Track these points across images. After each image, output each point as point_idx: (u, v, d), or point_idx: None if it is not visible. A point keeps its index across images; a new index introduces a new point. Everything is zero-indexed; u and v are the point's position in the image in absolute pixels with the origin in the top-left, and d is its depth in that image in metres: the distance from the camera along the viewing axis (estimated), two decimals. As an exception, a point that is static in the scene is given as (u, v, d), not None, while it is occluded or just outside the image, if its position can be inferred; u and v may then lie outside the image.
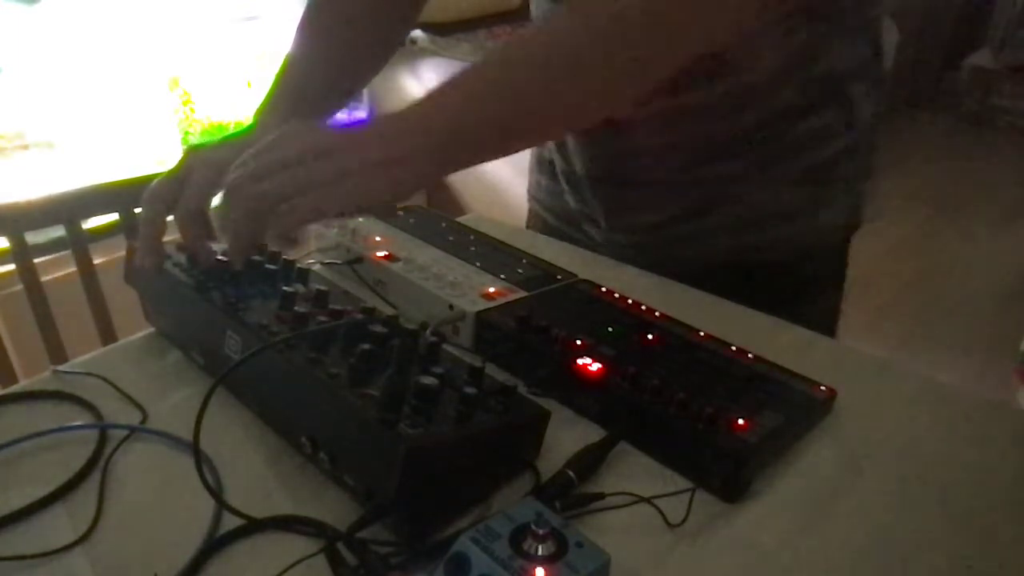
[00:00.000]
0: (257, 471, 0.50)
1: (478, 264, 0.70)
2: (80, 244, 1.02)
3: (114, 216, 1.08)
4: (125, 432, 0.53)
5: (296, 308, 0.52)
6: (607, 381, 0.54)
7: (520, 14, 2.21)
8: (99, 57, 1.78)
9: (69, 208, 1.00)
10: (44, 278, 1.02)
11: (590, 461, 0.49)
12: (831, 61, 0.69)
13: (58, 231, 1.02)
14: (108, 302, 1.05)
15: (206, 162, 0.59)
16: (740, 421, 0.49)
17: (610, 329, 0.60)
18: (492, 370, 0.51)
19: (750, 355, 0.58)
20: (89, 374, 0.58)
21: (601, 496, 0.46)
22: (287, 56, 0.70)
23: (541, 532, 0.37)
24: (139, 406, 0.55)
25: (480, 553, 0.36)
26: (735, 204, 0.74)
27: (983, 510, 0.48)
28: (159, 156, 1.89)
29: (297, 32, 0.71)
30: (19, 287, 1.00)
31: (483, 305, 0.62)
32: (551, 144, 0.82)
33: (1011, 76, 3.86)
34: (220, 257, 0.59)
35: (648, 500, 0.47)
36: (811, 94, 0.69)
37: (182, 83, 1.94)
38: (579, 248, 0.82)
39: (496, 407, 0.47)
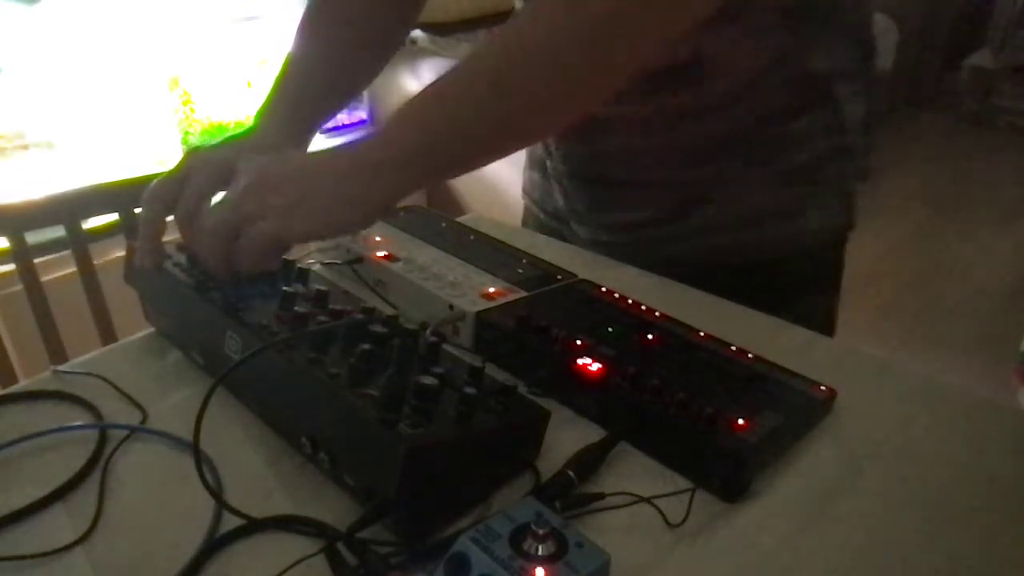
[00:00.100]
0: (257, 471, 0.50)
1: (478, 264, 0.70)
2: (80, 244, 1.02)
3: (114, 216, 1.08)
4: (125, 432, 0.53)
5: (296, 308, 0.52)
6: (607, 381, 0.54)
7: (520, 14, 2.21)
8: (99, 57, 1.78)
9: (69, 208, 1.00)
10: (44, 278, 1.02)
11: (590, 461, 0.49)
12: (815, 62, 0.68)
13: (58, 231, 1.02)
14: (108, 302, 1.05)
15: (206, 162, 0.59)
16: (740, 421, 0.49)
17: (610, 329, 0.60)
18: (492, 370, 0.51)
19: (750, 355, 0.58)
20: (89, 374, 0.58)
21: (601, 496, 0.46)
22: (287, 57, 0.70)
23: (541, 532, 0.37)
24: (139, 406, 0.55)
25: (480, 553, 0.36)
26: (716, 205, 0.74)
27: (983, 510, 0.48)
28: (159, 156, 1.89)
29: (297, 33, 0.71)
30: (19, 287, 1.00)
31: (483, 305, 0.62)
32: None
33: (1011, 76, 3.86)
34: None
35: (648, 500, 0.47)
36: (793, 96, 0.69)
37: (182, 83, 1.94)
38: (579, 248, 0.82)
39: (496, 407, 0.47)
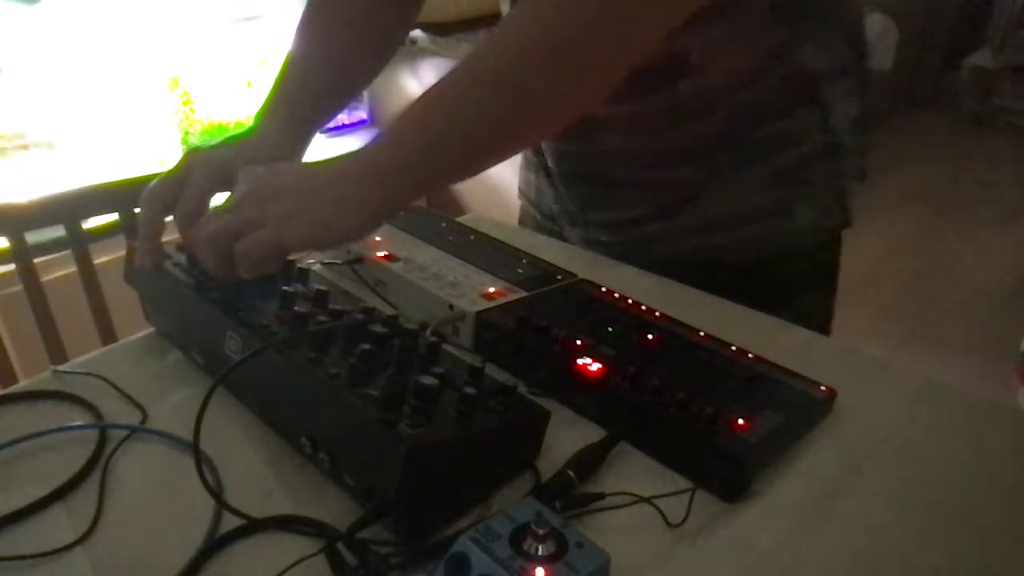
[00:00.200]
0: (257, 471, 0.50)
1: (478, 264, 0.70)
2: (80, 244, 1.02)
3: (114, 216, 1.08)
4: (125, 432, 0.53)
5: (296, 308, 0.52)
6: (607, 381, 0.54)
7: (520, 14, 2.21)
8: (99, 57, 1.78)
9: (69, 208, 1.00)
10: (44, 278, 1.02)
11: (590, 461, 0.49)
12: (803, 61, 0.68)
13: (58, 231, 1.02)
14: (108, 302, 1.05)
15: (206, 162, 0.59)
16: (740, 421, 0.49)
17: (610, 329, 0.60)
18: (492, 370, 0.51)
19: (750, 355, 0.58)
20: (89, 374, 0.58)
21: (601, 496, 0.46)
22: (287, 58, 0.70)
23: (541, 532, 0.37)
24: (139, 406, 0.55)
25: (480, 553, 0.36)
26: (706, 205, 0.74)
27: (983, 510, 0.48)
28: (159, 156, 1.89)
29: (297, 33, 0.71)
30: (19, 287, 1.00)
31: (483, 305, 0.62)
32: None
33: (1011, 76, 3.86)
34: None
35: (648, 500, 0.47)
36: (782, 95, 0.69)
37: (182, 83, 1.94)
38: (579, 248, 0.82)
39: (496, 407, 0.47)
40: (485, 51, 0.55)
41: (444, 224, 0.80)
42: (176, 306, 0.59)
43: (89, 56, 1.77)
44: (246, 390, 0.54)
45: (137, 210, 0.60)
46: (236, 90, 2.04)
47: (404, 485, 0.40)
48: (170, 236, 0.59)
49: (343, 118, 2.29)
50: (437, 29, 2.25)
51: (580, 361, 0.55)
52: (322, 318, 0.50)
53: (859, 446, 0.53)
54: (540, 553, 0.37)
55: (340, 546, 0.42)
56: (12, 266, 0.98)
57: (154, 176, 0.61)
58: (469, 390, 0.45)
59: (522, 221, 0.95)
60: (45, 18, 1.68)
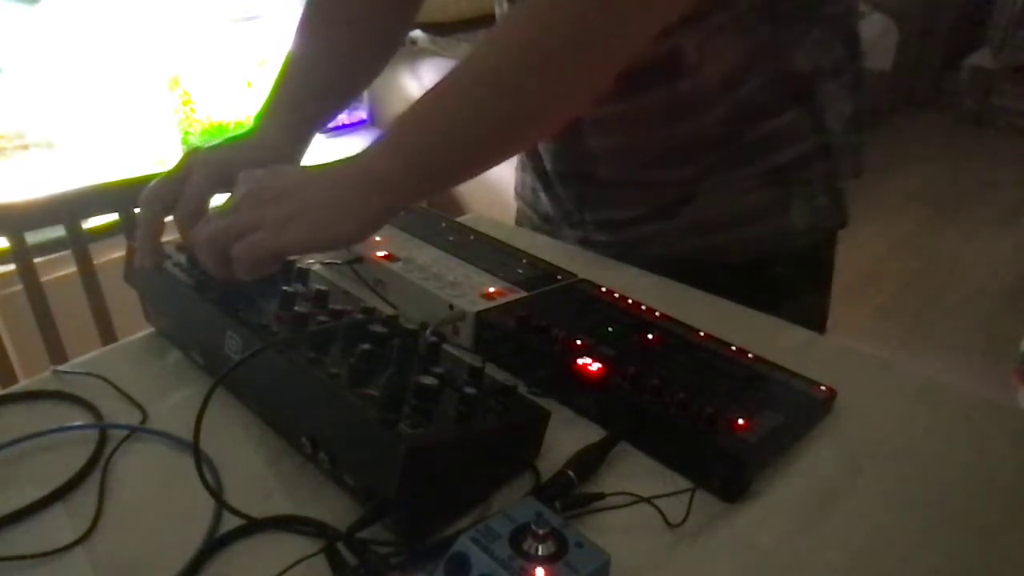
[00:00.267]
0: (257, 471, 0.50)
1: (478, 264, 0.70)
2: (80, 244, 1.02)
3: (114, 216, 1.08)
4: (125, 432, 0.53)
5: (296, 308, 0.52)
6: (607, 381, 0.54)
7: (520, 14, 2.21)
8: (99, 57, 1.78)
9: (69, 208, 1.00)
10: (44, 278, 1.02)
11: (590, 461, 0.49)
12: (797, 60, 0.68)
13: (58, 231, 1.02)
14: (108, 302, 1.05)
15: (206, 163, 0.59)
16: (740, 421, 0.49)
17: (610, 329, 0.60)
18: (492, 370, 0.51)
19: (750, 355, 0.58)
20: (89, 374, 0.58)
21: (601, 496, 0.46)
22: (286, 58, 0.70)
23: (541, 532, 0.37)
24: (139, 406, 0.55)
25: (480, 553, 0.36)
26: (703, 204, 0.74)
27: (983, 510, 0.48)
28: (159, 156, 1.89)
29: (296, 34, 0.71)
30: (19, 287, 1.00)
31: (483, 305, 0.62)
32: None
33: (1011, 76, 3.86)
34: None
35: (648, 500, 0.47)
36: (775, 94, 0.69)
37: (182, 83, 1.94)
38: (579, 248, 0.82)
39: (496, 407, 0.47)
40: (485, 51, 0.55)
41: (444, 224, 0.80)
42: (176, 306, 0.59)
43: (89, 56, 1.76)
44: (246, 390, 0.54)
45: (137, 210, 0.60)
46: (236, 90, 2.04)
47: (404, 485, 0.40)
48: (170, 236, 0.59)
49: (343, 118, 2.29)
50: (437, 29, 2.25)
51: (580, 361, 0.55)
52: (322, 318, 0.50)
53: (859, 446, 0.53)
54: (540, 553, 0.37)
55: (340, 546, 0.42)
56: (12, 266, 0.98)
57: (154, 176, 0.61)
58: (469, 390, 0.45)
59: (518, 223, 0.95)
60: (45, 18, 1.68)
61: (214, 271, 0.52)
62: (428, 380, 0.43)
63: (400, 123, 0.53)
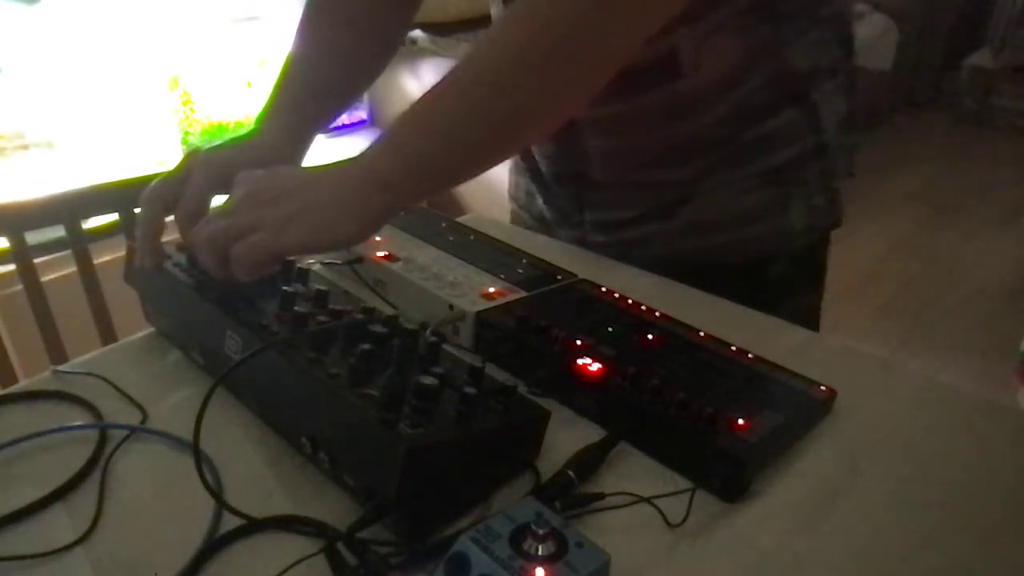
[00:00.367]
0: (257, 471, 0.50)
1: (478, 264, 0.70)
2: (80, 244, 1.02)
3: (114, 216, 1.08)
4: (125, 432, 0.53)
5: (296, 308, 0.52)
6: (607, 381, 0.54)
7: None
8: (99, 57, 1.78)
9: (69, 208, 1.00)
10: (44, 278, 1.02)
11: (590, 461, 0.49)
12: (795, 60, 0.68)
13: (58, 231, 1.02)
14: (108, 302, 1.05)
15: (206, 163, 0.59)
16: (740, 421, 0.49)
17: (610, 329, 0.60)
18: (492, 370, 0.51)
19: (750, 355, 0.58)
20: (89, 374, 0.58)
21: (601, 496, 0.46)
22: (287, 59, 0.70)
23: (541, 532, 0.37)
24: (139, 406, 0.55)
25: (480, 553, 0.36)
26: (700, 205, 0.74)
27: (983, 510, 0.48)
28: (159, 156, 1.90)
29: (297, 34, 0.71)
30: (19, 287, 1.00)
31: (483, 305, 0.62)
32: None
33: (1011, 76, 3.86)
34: None
35: (648, 500, 0.47)
36: (774, 94, 0.69)
37: (182, 83, 1.94)
38: (579, 248, 0.82)
39: (496, 407, 0.47)
40: (484, 52, 0.55)
41: (444, 224, 0.80)
42: (176, 306, 0.59)
43: (89, 56, 1.77)
44: (246, 390, 0.54)
45: (137, 210, 0.60)
46: (236, 90, 2.04)
47: (404, 485, 0.40)
48: (170, 236, 0.59)
49: (343, 118, 2.29)
50: (437, 29, 2.25)
51: (580, 361, 0.55)
52: (322, 318, 0.50)
53: (859, 446, 0.53)
54: (540, 553, 0.37)
55: (340, 546, 0.42)
56: (12, 266, 0.98)
57: (154, 176, 0.61)
58: (469, 390, 0.45)
59: (514, 224, 0.95)
60: (45, 18, 1.68)
61: (214, 271, 0.52)
62: (428, 380, 0.43)
63: (400, 123, 0.53)
